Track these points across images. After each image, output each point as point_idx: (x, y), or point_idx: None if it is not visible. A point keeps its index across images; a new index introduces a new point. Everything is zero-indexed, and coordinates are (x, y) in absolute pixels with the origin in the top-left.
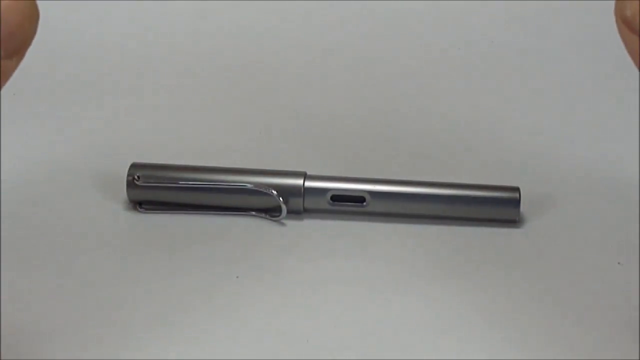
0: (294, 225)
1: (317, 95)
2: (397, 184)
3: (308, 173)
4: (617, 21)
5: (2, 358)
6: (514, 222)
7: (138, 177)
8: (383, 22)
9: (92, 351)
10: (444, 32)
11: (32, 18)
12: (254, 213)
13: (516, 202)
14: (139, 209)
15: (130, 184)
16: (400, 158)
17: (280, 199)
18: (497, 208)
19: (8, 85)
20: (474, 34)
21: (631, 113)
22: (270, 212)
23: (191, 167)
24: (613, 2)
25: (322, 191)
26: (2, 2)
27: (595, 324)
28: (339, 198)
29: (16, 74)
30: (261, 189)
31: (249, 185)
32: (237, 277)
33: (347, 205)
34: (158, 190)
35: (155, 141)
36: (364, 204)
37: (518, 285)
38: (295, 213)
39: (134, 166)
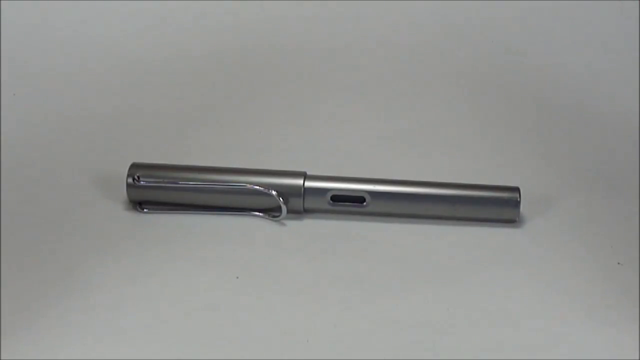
0: (294, 225)
1: (317, 96)
2: (397, 184)
3: (308, 173)
4: None
5: (2, 358)
6: (513, 222)
7: (138, 177)
8: (384, 24)
9: (93, 351)
10: (444, 32)
11: None
12: (254, 213)
13: (516, 202)
14: (139, 209)
15: (130, 184)
16: (400, 158)
17: (280, 199)
18: (497, 208)
19: (8, 85)
20: (474, 33)
21: (631, 113)
22: (270, 212)
23: (191, 167)
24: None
25: (322, 191)
26: None
27: (595, 323)
28: (339, 198)
29: (16, 73)
30: (261, 189)
31: (249, 185)
32: (237, 277)
33: (347, 205)
34: (158, 190)
35: (155, 141)
36: (364, 204)
37: (518, 285)
38: (295, 213)
39: (134, 166)
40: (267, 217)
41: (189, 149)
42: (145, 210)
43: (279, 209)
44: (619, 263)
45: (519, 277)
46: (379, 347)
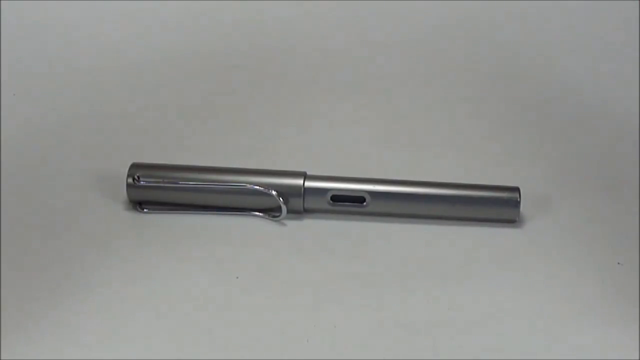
0: (294, 225)
1: (317, 96)
2: (397, 184)
3: (308, 173)
4: None
5: (2, 358)
6: (513, 222)
7: (138, 177)
8: (384, 23)
9: (93, 351)
10: (444, 32)
11: None
12: (254, 213)
13: (516, 202)
14: (139, 209)
15: (130, 184)
16: (400, 158)
17: (280, 199)
18: (497, 208)
19: (8, 85)
20: (474, 33)
21: (631, 113)
22: (270, 212)
23: (191, 167)
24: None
25: (322, 191)
26: None
27: (595, 323)
28: (339, 198)
29: (15, 73)
30: (261, 189)
31: (248, 185)
32: (237, 277)
33: (347, 205)
34: (158, 190)
35: (155, 141)
36: (364, 204)
37: (518, 285)
38: (295, 213)
39: (134, 166)
40: (267, 217)
41: (189, 149)
42: (145, 210)
43: (279, 209)
44: (619, 263)
45: (519, 277)
46: (379, 347)
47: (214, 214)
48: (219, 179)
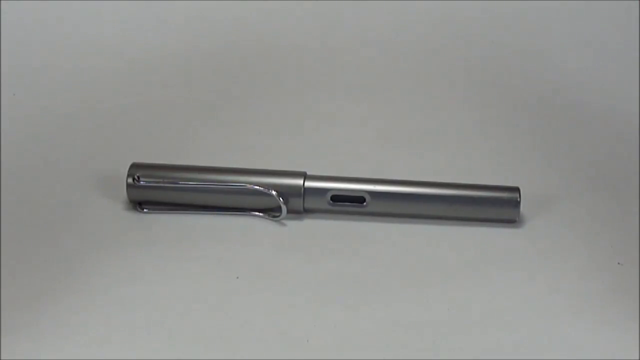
0: (294, 225)
1: (317, 96)
2: (397, 184)
3: (308, 173)
4: None
5: (2, 358)
6: (513, 222)
7: (138, 177)
8: (384, 23)
9: (93, 351)
10: (444, 32)
11: None
12: (254, 213)
13: (516, 202)
14: (139, 209)
15: (130, 184)
16: (400, 158)
17: (280, 199)
18: (497, 208)
19: (8, 85)
20: (474, 33)
21: (631, 113)
22: (270, 212)
23: (191, 167)
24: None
25: (322, 191)
26: None
27: (595, 323)
28: (339, 198)
29: (15, 73)
30: (261, 189)
31: (249, 185)
32: (237, 277)
33: (347, 205)
34: (158, 190)
35: (155, 141)
36: (364, 204)
37: (518, 285)
38: (295, 213)
39: (134, 166)
40: (267, 217)
41: (189, 149)
42: (145, 210)
43: (279, 209)
44: (619, 263)
45: (519, 277)
46: (379, 347)
47: (214, 214)
48: (219, 179)
